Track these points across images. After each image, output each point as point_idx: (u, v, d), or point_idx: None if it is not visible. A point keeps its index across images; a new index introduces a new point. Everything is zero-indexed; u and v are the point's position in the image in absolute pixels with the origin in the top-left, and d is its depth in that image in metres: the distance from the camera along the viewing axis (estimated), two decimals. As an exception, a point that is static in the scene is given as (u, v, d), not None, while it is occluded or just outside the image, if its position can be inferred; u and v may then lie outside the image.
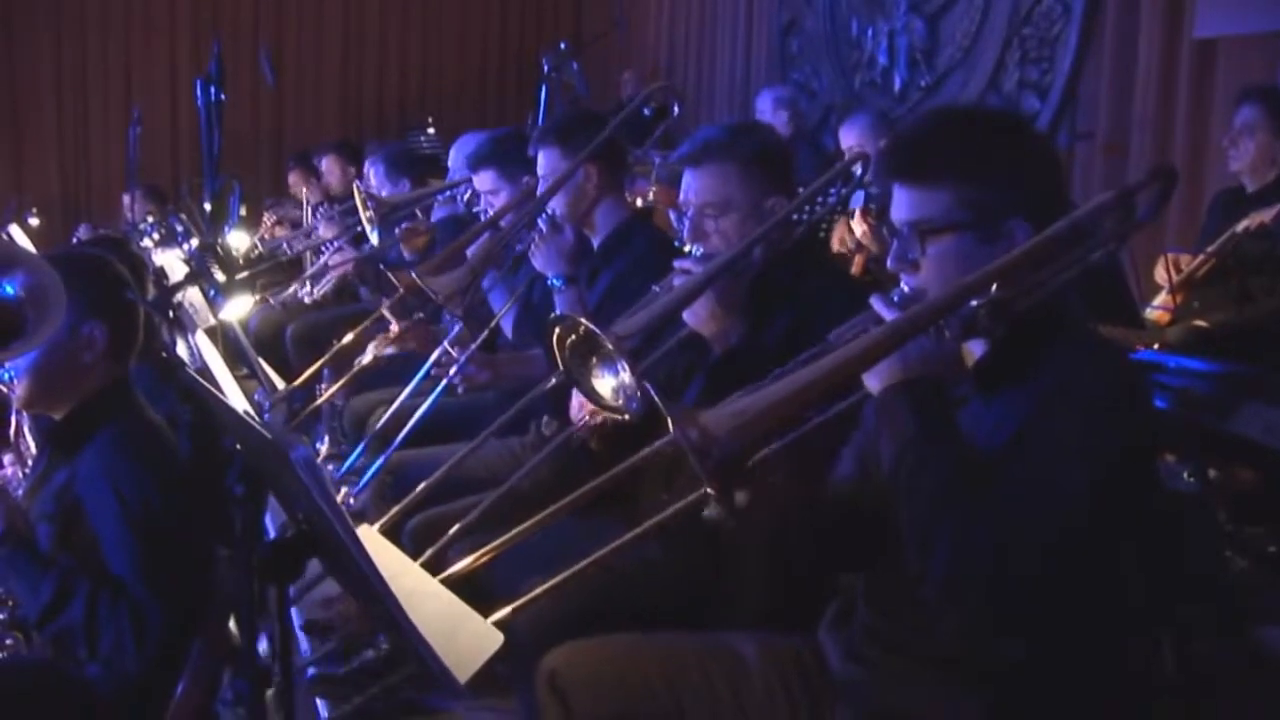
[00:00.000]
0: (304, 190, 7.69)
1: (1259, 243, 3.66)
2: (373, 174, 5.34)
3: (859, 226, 4.60)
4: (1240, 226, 3.70)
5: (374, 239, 4.49)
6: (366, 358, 3.79)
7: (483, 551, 2.29)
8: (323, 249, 5.76)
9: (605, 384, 2.22)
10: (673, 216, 2.57)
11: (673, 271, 2.39)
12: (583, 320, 2.20)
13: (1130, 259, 3.76)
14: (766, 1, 8.73)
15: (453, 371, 3.28)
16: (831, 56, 7.98)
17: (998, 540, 1.58)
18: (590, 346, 2.21)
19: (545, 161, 3.25)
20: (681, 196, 2.52)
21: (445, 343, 3.37)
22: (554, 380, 2.76)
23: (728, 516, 1.65)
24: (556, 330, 2.23)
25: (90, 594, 2.22)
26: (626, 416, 2.20)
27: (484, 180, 3.66)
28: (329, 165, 7.29)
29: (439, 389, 3.36)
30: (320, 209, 6.58)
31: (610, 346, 2.16)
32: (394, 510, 2.80)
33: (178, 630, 2.27)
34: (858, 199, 4.64)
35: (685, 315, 2.35)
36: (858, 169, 2.68)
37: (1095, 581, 1.69)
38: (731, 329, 2.36)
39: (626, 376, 2.17)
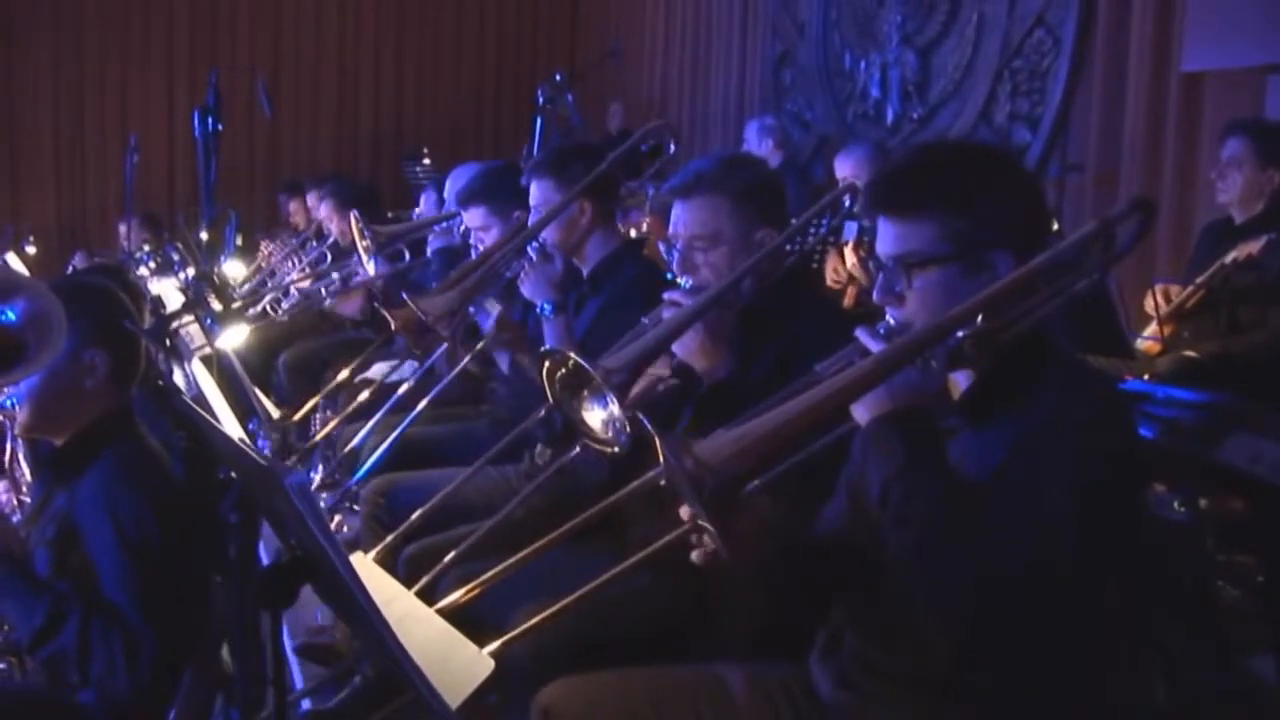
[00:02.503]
0: (302, 216, 7.70)
1: (1247, 274, 3.68)
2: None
3: (850, 259, 4.64)
4: (1229, 258, 3.72)
5: (370, 269, 4.51)
6: (363, 391, 3.80)
7: (473, 585, 2.29)
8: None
9: (595, 417, 2.22)
10: (662, 248, 2.58)
11: (662, 303, 2.39)
12: (571, 354, 2.20)
13: (1119, 290, 3.78)
14: (760, 33, 8.79)
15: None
16: (824, 88, 8.03)
17: (986, 568, 1.59)
18: (580, 379, 2.22)
19: (538, 192, 3.23)
20: (671, 228, 2.52)
21: (428, 363, 3.37)
22: (544, 411, 2.77)
23: (720, 546, 1.66)
24: (546, 363, 2.24)
25: (83, 619, 2.22)
26: (616, 450, 2.20)
27: (474, 217, 3.62)
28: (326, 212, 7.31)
29: (419, 408, 3.37)
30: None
31: (599, 380, 2.17)
32: (389, 539, 2.81)
33: (171, 657, 2.27)
34: (852, 231, 4.66)
35: (675, 347, 2.35)
36: (847, 200, 2.71)
37: (1083, 609, 1.69)
38: (721, 361, 2.35)
39: (615, 410, 2.18)
